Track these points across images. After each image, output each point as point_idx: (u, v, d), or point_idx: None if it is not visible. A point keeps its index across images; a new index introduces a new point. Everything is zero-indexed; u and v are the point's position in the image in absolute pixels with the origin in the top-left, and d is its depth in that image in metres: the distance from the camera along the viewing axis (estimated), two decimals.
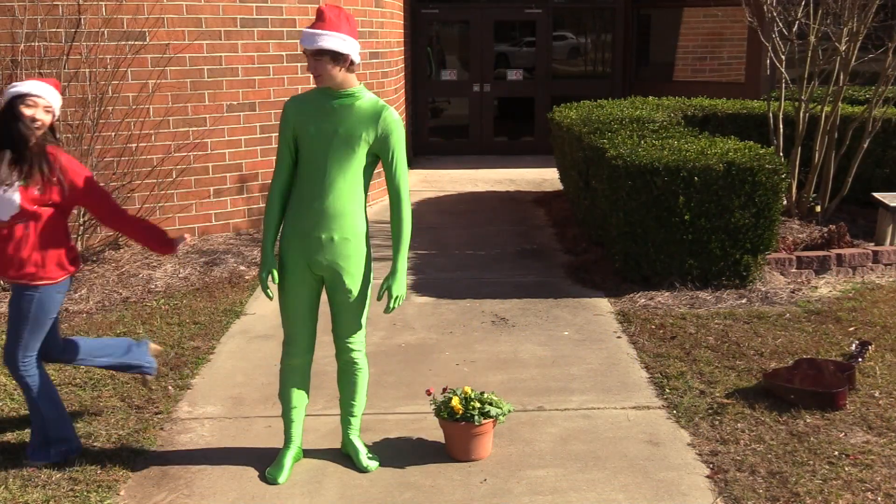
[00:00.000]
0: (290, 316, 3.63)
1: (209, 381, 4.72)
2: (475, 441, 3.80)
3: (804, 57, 7.58)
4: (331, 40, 3.33)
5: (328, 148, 3.45)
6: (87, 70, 6.95)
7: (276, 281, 3.57)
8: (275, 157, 3.58)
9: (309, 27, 3.38)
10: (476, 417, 3.76)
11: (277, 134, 3.51)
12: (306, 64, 8.02)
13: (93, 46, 6.93)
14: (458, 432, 3.79)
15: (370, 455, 3.83)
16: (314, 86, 3.64)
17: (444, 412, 3.81)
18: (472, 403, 3.81)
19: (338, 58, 3.36)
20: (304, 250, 3.51)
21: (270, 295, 3.54)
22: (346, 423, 3.82)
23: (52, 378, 4.72)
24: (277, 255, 3.56)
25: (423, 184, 10.50)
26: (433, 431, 4.10)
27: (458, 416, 3.78)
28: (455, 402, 3.80)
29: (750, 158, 5.95)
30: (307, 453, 3.90)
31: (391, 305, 3.57)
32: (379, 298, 3.60)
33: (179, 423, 4.24)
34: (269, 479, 3.68)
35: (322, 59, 3.35)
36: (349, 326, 3.65)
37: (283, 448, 3.78)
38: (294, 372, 3.70)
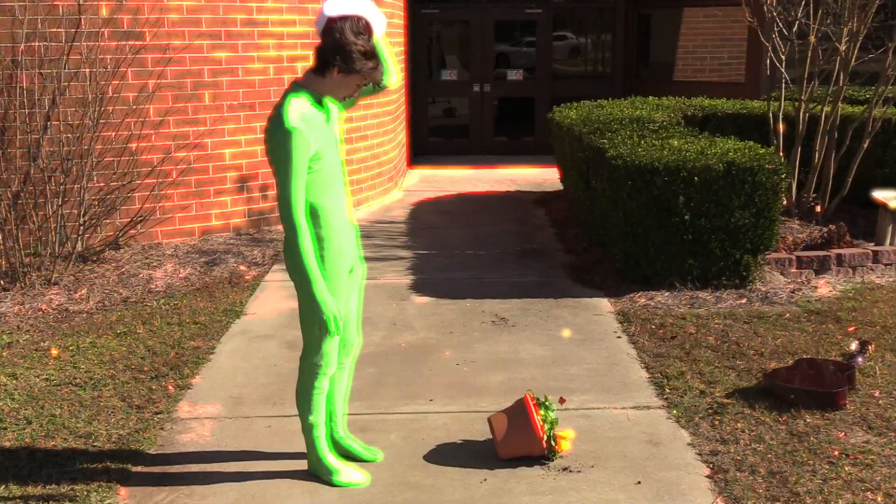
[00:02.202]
0: (339, 326, 3.49)
1: (209, 381, 4.72)
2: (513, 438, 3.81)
3: (804, 57, 7.58)
4: None
5: (336, 149, 3.44)
6: (88, 70, 6.95)
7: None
8: (295, 187, 3.31)
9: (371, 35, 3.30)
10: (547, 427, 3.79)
11: (295, 166, 3.19)
12: (308, 64, 8.03)
13: (93, 46, 6.93)
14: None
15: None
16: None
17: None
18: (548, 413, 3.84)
19: None
20: (351, 253, 3.52)
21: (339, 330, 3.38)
22: (339, 422, 3.83)
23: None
24: None
25: (423, 184, 10.51)
26: (433, 431, 4.10)
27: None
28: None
29: (750, 158, 5.95)
30: (301, 455, 3.90)
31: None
32: None
33: (179, 423, 4.24)
34: (353, 484, 3.66)
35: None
36: (359, 322, 3.74)
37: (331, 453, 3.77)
38: (326, 385, 3.61)
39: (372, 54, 3.25)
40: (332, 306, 3.28)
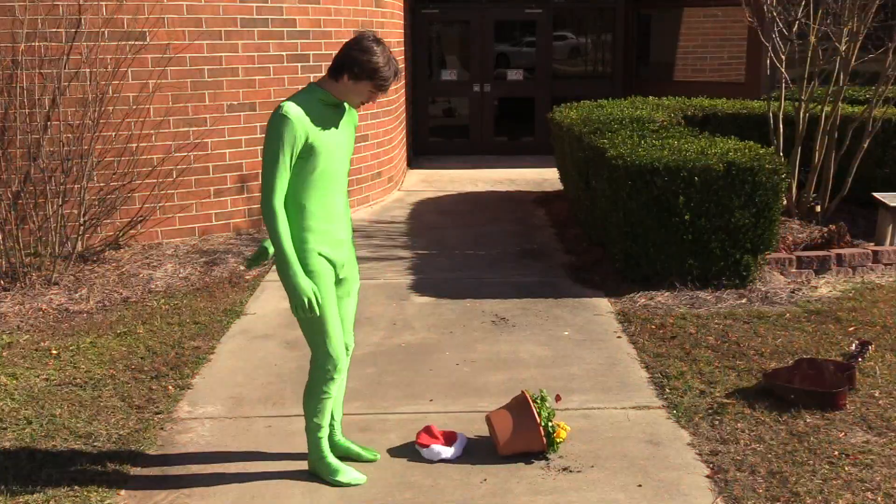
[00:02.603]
0: (335, 332, 3.49)
1: (209, 381, 4.72)
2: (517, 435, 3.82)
3: (804, 57, 7.58)
4: None
5: (339, 154, 3.43)
6: (88, 70, 6.95)
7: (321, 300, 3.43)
8: (276, 171, 3.37)
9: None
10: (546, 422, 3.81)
11: (278, 150, 3.27)
12: (307, 64, 8.03)
13: (93, 46, 6.93)
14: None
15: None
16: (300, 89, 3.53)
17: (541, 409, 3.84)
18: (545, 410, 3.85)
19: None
20: (338, 256, 3.49)
21: (318, 311, 3.41)
22: (336, 426, 3.83)
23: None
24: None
25: (423, 184, 10.51)
26: None
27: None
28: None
29: (750, 158, 5.95)
30: (301, 455, 3.90)
31: None
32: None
33: (179, 423, 4.24)
34: (353, 483, 3.67)
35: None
36: (352, 325, 3.74)
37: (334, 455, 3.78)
38: (335, 389, 3.61)
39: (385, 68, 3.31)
40: (309, 289, 3.33)
